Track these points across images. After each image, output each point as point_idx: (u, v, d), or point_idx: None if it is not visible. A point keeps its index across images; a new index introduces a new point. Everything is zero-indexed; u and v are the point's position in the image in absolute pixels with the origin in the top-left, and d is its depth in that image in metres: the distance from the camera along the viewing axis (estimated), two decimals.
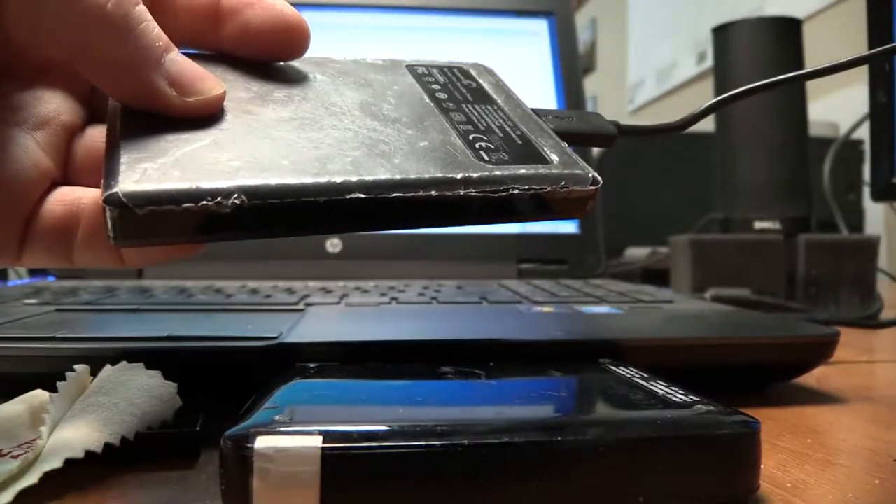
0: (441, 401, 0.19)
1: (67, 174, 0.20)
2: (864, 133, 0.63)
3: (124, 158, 0.16)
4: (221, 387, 0.23)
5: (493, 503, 0.15)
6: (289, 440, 0.14)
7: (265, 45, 0.20)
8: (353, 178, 0.17)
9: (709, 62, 1.22)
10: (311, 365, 0.22)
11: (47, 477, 0.16)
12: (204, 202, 0.15)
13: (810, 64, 0.63)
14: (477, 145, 0.19)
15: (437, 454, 0.15)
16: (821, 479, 0.19)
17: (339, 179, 0.17)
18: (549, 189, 0.18)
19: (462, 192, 0.18)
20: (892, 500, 0.18)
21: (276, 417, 0.16)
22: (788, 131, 0.60)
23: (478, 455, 0.15)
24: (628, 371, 0.22)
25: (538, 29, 0.59)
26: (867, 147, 0.61)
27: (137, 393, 0.20)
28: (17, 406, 0.21)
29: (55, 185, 0.19)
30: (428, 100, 0.21)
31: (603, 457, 0.16)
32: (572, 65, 0.58)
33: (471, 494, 0.15)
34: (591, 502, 0.16)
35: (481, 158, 0.19)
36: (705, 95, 0.75)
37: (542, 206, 0.19)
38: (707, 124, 0.72)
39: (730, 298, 0.51)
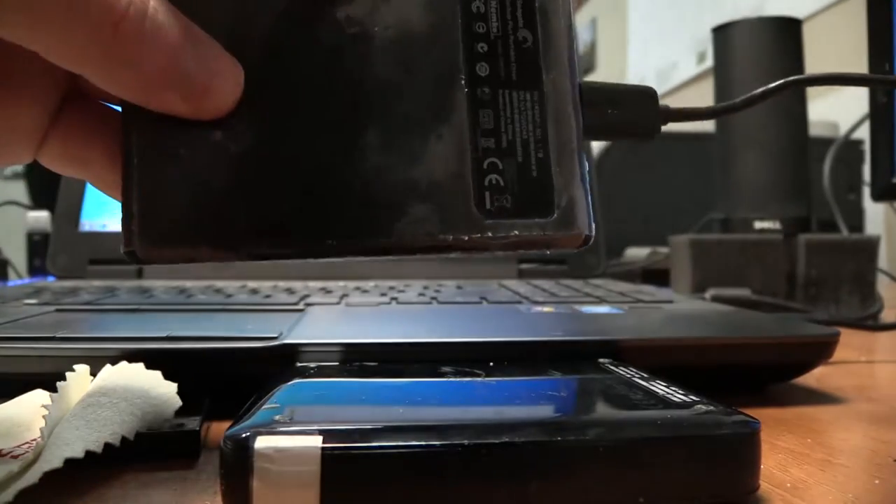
0: (441, 401, 0.19)
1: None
2: (864, 133, 0.63)
3: (136, 202, 0.17)
4: (221, 387, 0.23)
5: (492, 503, 0.15)
6: (289, 440, 0.14)
7: None
8: (343, 241, 0.17)
9: (709, 62, 1.22)
10: (311, 365, 0.22)
11: (47, 477, 0.16)
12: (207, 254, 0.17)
13: (810, 64, 0.63)
14: (487, 179, 0.18)
15: (437, 454, 0.15)
16: (821, 479, 0.19)
17: (333, 242, 0.17)
18: (532, 249, 0.19)
19: (445, 252, 0.18)
20: (892, 500, 0.18)
21: (276, 417, 0.16)
22: (788, 131, 0.60)
23: (478, 455, 0.15)
24: (628, 371, 0.22)
25: None
26: (867, 147, 0.61)
27: (137, 393, 0.20)
28: (17, 406, 0.21)
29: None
30: (463, 83, 0.19)
31: (603, 457, 0.16)
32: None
33: (471, 494, 0.15)
34: (591, 502, 0.16)
35: (482, 206, 0.18)
36: (705, 95, 0.75)
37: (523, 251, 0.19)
38: (707, 124, 0.72)
39: (730, 298, 0.51)
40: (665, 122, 0.22)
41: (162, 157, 0.17)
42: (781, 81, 0.23)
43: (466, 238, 0.18)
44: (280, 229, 0.17)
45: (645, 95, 0.21)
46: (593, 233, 0.19)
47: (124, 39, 0.16)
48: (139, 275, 0.50)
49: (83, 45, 0.16)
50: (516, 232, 0.18)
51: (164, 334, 0.25)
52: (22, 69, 0.18)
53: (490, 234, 0.18)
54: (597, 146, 0.94)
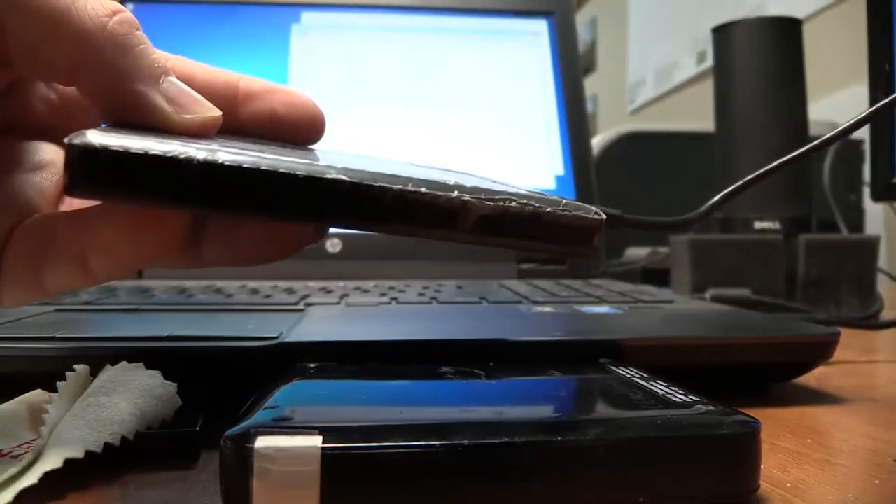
0: (441, 401, 0.19)
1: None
2: (864, 133, 0.63)
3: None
4: (221, 387, 0.23)
5: (492, 503, 0.15)
6: (289, 440, 0.14)
7: (287, 130, 0.21)
8: (337, 165, 0.16)
9: (709, 62, 1.22)
10: (311, 365, 0.22)
11: (47, 477, 0.16)
12: (172, 155, 0.15)
13: (810, 64, 0.63)
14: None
15: (437, 454, 0.15)
16: (821, 479, 0.19)
17: (321, 163, 0.16)
18: (548, 210, 0.17)
19: (454, 195, 0.16)
20: (892, 500, 0.18)
21: (276, 417, 0.16)
22: (788, 131, 0.60)
23: (478, 455, 0.15)
24: (628, 371, 0.22)
25: (538, 29, 0.59)
26: (867, 147, 0.61)
27: (137, 393, 0.20)
28: (17, 406, 0.21)
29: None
30: None
31: (603, 457, 0.16)
32: (572, 65, 0.58)
33: (471, 494, 0.15)
34: (591, 502, 0.16)
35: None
36: (705, 95, 0.75)
37: (542, 230, 0.17)
38: (707, 124, 0.72)
39: (730, 298, 0.51)
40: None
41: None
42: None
43: (469, 185, 0.17)
44: (243, 154, 0.16)
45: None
46: (603, 215, 0.18)
47: (121, 28, 0.17)
48: (139, 275, 0.50)
49: (74, 43, 0.17)
50: (523, 191, 0.17)
51: (164, 334, 0.25)
52: None
53: (494, 186, 0.17)
54: (597, 146, 0.94)
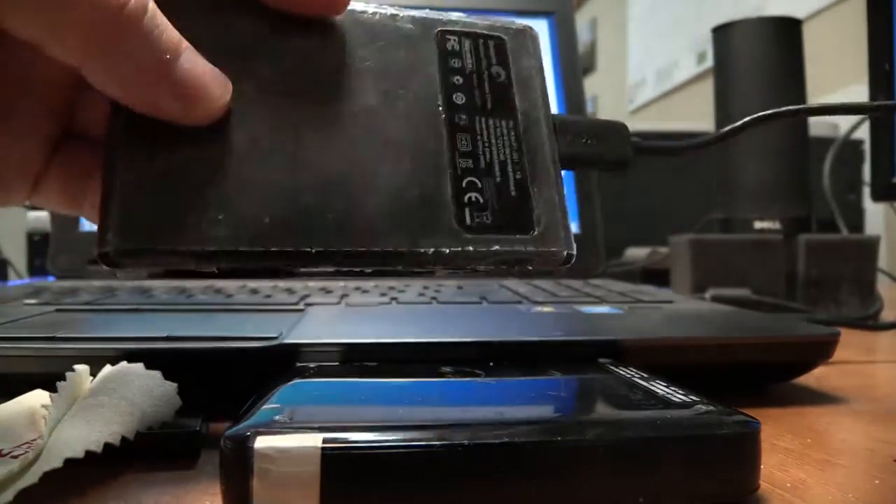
0: (441, 401, 0.19)
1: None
2: (864, 133, 0.63)
3: (115, 203, 0.16)
4: (221, 387, 0.23)
5: (493, 503, 0.15)
6: (289, 440, 0.14)
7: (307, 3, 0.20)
8: (323, 249, 0.17)
9: (709, 62, 1.22)
10: (311, 365, 0.22)
11: (47, 477, 0.16)
12: (184, 260, 0.17)
13: (810, 64, 0.63)
14: (467, 197, 0.19)
15: (437, 454, 0.15)
16: (821, 479, 0.19)
17: (312, 250, 0.17)
18: (514, 265, 0.19)
19: (427, 266, 0.18)
20: (892, 500, 0.18)
21: (276, 417, 0.16)
22: (788, 131, 0.60)
23: (478, 455, 0.15)
24: (628, 371, 0.22)
25: (538, 29, 0.59)
26: (867, 147, 0.61)
27: (137, 393, 0.20)
28: (17, 406, 0.21)
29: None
30: (441, 109, 0.20)
31: (603, 457, 0.16)
32: (572, 65, 0.58)
33: (471, 494, 0.15)
34: (591, 502, 0.16)
35: (462, 221, 0.18)
36: (705, 95, 0.75)
37: (506, 268, 0.20)
38: (707, 124, 0.72)
39: (730, 298, 0.51)
40: (635, 155, 0.23)
41: (144, 162, 0.17)
42: (749, 119, 0.26)
43: (447, 251, 0.18)
44: (258, 238, 0.17)
45: (616, 129, 0.23)
46: (574, 251, 0.20)
47: (125, 28, 0.16)
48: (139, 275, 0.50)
49: (84, 31, 0.16)
50: (497, 247, 0.19)
51: (164, 334, 0.25)
52: (17, 102, 0.19)
53: (471, 248, 0.18)
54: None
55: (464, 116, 0.20)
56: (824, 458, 0.21)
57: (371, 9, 0.20)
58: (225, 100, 0.18)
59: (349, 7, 0.20)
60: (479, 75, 0.21)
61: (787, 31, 0.61)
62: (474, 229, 0.19)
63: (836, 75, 1.28)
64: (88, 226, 0.53)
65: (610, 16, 2.80)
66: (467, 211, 0.19)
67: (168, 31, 0.17)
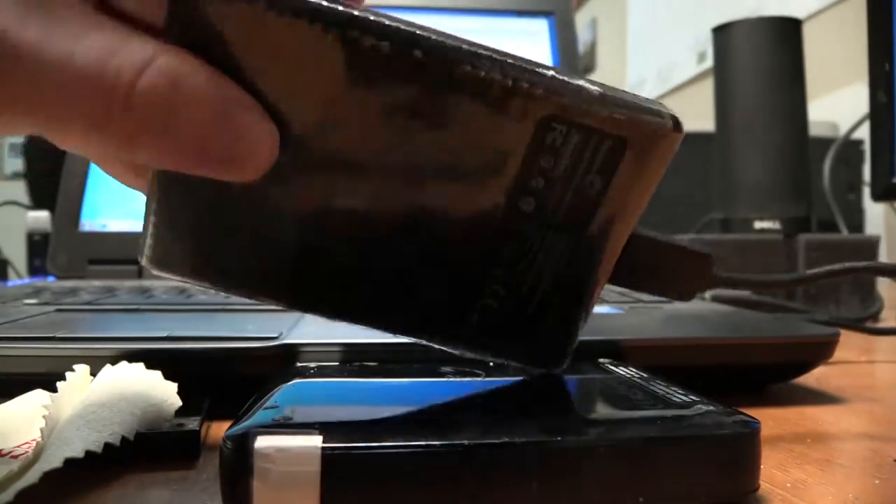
0: (441, 401, 0.19)
1: None
2: (864, 133, 0.63)
3: (151, 228, 0.17)
4: (221, 387, 0.23)
5: (492, 503, 0.15)
6: (289, 440, 0.14)
7: None
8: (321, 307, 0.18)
9: (709, 62, 1.22)
10: (311, 365, 0.22)
11: (47, 477, 0.16)
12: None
13: (810, 64, 0.63)
14: (481, 303, 0.18)
15: (437, 454, 0.15)
16: (821, 479, 0.19)
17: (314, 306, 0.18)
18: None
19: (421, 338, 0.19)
20: (892, 500, 0.18)
21: (276, 417, 0.16)
22: (788, 131, 0.60)
23: (478, 455, 0.15)
24: (628, 371, 0.22)
25: (538, 29, 0.59)
26: (867, 147, 0.61)
27: (137, 393, 0.20)
28: (17, 406, 0.21)
29: None
30: (495, 212, 0.17)
31: (603, 457, 0.16)
32: (572, 65, 0.58)
33: (471, 494, 0.15)
34: (591, 502, 0.16)
35: (467, 322, 0.19)
36: (705, 95, 0.75)
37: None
38: (707, 124, 0.72)
39: (730, 298, 0.51)
40: (711, 289, 0.21)
41: (181, 192, 0.17)
42: (847, 266, 0.24)
43: (441, 340, 0.19)
44: (273, 286, 0.18)
45: (699, 261, 0.20)
46: (563, 367, 0.20)
47: (139, 114, 0.14)
48: (139, 275, 0.50)
49: (85, 125, 0.14)
50: (490, 352, 0.19)
51: (164, 334, 0.25)
52: None
53: (465, 345, 0.19)
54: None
55: (523, 226, 0.17)
56: (824, 458, 0.21)
57: (486, 67, 0.15)
58: (272, 159, 0.16)
59: (447, 46, 0.15)
60: (568, 181, 0.17)
61: (787, 31, 0.61)
62: (476, 330, 0.19)
63: (836, 75, 1.28)
64: (88, 226, 0.53)
65: (610, 16, 2.80)
66: (475, 316, 0.19)
67: (203, 95, 0.14)
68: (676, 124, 0.16)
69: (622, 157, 0.16)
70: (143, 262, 0.18)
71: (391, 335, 0.19)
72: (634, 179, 0.17)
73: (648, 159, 0.17)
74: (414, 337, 0.19)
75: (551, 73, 0.16)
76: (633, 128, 0.16)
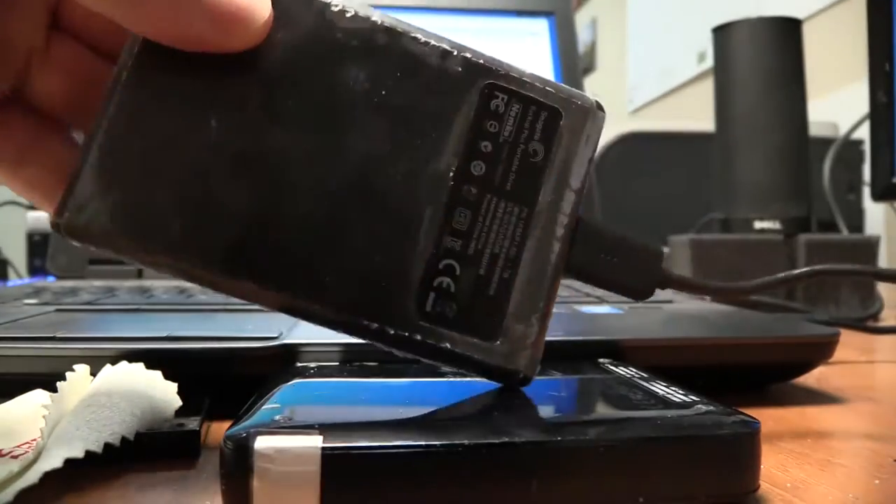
0: (441, 401, 0.19)
1: None
2: (864, 133, 0.63)
3: (86, 173, 0.16)
4: (221, 387, 0.23)
5: (493, 503, 0.15)
6: (289, 440, 0.14)
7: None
8: (268, 286, 0.17)
9: (709, 62, 1.22)
10: (311, 365, 0.22)
11: (47, 477, 0.16)
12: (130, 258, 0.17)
13: (810, 64, 0.63)
14: (437, 281, 0.17)
15: (437, 454, 0.15)
16: (821, 479, 0.19)
17: (253, 285, 0.17)
18: (462, 368, 0.18)
19: (371, 341, 0.17)
20: (892, 500, 0.18)
21: (276, 417, 0.16)
22: (788, 131, 0.60)
23: (478, 455, 0.15)
24: (628, 371, 0.22)
25: (538, 29, 0.59)
26: (867, 147, 0.61)
27: (137, 393, 0.20)
28: (17, 406, 0.21)
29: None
30: (451, 175, 0.17)
31: (603, 457, 0.16)
32: (572, 65, 0.58)
33: (471, 494, 0.15)
34: (591, 502, 0.16)
35: (421, 305, 0.17)
36: (705, 95, 0.75)
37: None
38: (707, 124, 0.72)
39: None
40: (662, 288, 0.20)
41: (131, 135, 0.16)
42: (808, 270, 0.23)
43: (392, 332, 0.17)
44: (223, 258, 0.17)
45: (650, 256, 0.20)
46: (534, 375, 0.18)
47: None
48: (139, 275, 0.50)
49: None
50: (447, 345, 0.17)
51: (164, 334, 0.25)
52: None
53: (418, 337, 0.17)
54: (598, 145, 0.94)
55: (473, 190, 0.18)
56: (824, 458, 0.21)
57: (424, 37, 0.18)
58: (263, 21, 0.16)
59: (402, 29, 0.18)
60: (513, 147, 0.18)
61: (787, 31, 0.61)
62: (431, 318, 0.17)
63: (836, 75, 1.28)
64: None
65: (610, 16, 2.80)
66: (431, 296, 0.17)
67: None
68: (599, 106, 0.19)
69: (558, 128, 0.18)
70: (61, 220, 0.16)
71: (333, 330, 0.17)
72: (572, 153, 0.18)
73: (581, 133, 0.18)
74: (366, 336, 0.17)
75: (492, 54, 0.18)
76: (564, 103, 0.18)
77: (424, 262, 0.17)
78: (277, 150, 0.17)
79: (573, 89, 0.19)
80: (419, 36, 0.18)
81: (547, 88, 0.18)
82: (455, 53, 0.18)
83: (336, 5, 0.17)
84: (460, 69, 0.18)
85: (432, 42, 0.18)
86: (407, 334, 0.17)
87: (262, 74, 0.17)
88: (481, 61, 0.18)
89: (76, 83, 0.19)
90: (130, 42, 0.17)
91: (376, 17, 0.18)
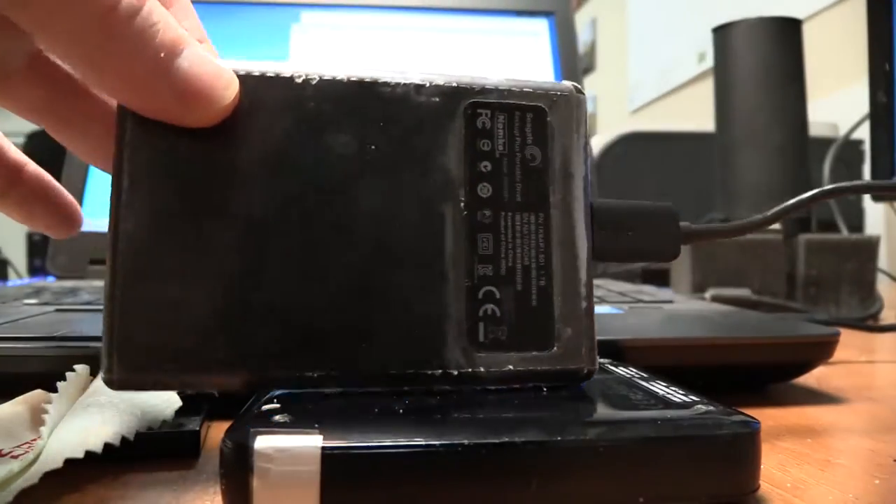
0: (441, 401, 0.19)
1: None
2: (864, 133, 0.63)
3: (118, 330, 0.16)
4: None
5: (492, 503, 0.15)
6: (289, 440, 0.14)
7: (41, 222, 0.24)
8: (325, 374, 0.17)
9: (709, 62, 1.22)
10: None
11: (47, 477, 0.16)
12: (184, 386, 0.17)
13: (810, 63, 0.63)
14: (482, 310, 0.17)
15: (437, 454, 0.15)
16: (821, 479, 0.19)
17: (314, 374, 0.17)
18: (530, 382, 0.18)
19: (437, 387, 0.17)
20: (892, 500, 0.18)
21: (276, 417, 0.16)
22: (788, 131, 0.60)
23: (478, 455, 0.15)
24: (628, 371, 0.22)
25: (538, 29, 0.59)
26: (867, 147, 0.61)
27: (137, 393, 0.20)
28: (17, 406, 0.21)
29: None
30: (462, 206, 0.17)
31: (603, 457, 0.16)
32: (572, 65, 0.58)
33: (471, 494, 0.15)
34: (591, 502, 0.16)
35: (474, 338, 0.17)
36: (705, 95, 0.75)
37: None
38: (707, 124, 0.72)
39: (730, 298, 0.51)
40: (686, 244, 0.20)
41: (149, 277, 0.17)
42: (810, 194, 0.23)
43: (456, 373, 0.17)
44: (259, 363, 0.17)
45: (664, 216, 0.20)
46: (596, 366, 0.18)
47: (114, 28, 0.15)
48: None
49: (74, 30, 0.15)
50: (511, 367, 0.18)
51: None
52: None
53: (482, 369, 0.17)
54: (597, 146, 0.94)
55: (488, 213, 0.18)
56: (824, 458, 0.21)
57: (393, 80, 0.18)
58: (229, 99, 0.17)
59: (370, 78, 0.18)
60: (511, 159, 0.18)
61: (787, 31, 0.61)
62: (487, 346, 0.17)
63: (836, 75, 1.28)
64: (88, 226, 0.53)
65: (610, 16, 2.80)
66: (481, 326, 0.17)
67: (166, 30, 0.16)
68: (578, 89, 0.19)
69: (547, 125, 0.18)
70: (112, 376, 0.16)
71: (399, 387, 0.17)
72: (567, 145, 0.19)
73: (570, 122, 0.19)
74: (432, 384, 0.17)
75: (460, 72, 0.18)
76: (545, 99, 0.18)
77: (464, 296, 0.17)
78: (294, 241, 0.17)
79: (547, 82, 0.19)
80: (388, 79, 0.18)
81: (524, 90, 0.18)
82: (427, 85, 0.18)
83: (299, 76, 0.17)
84: (437, 99, 0.18)
85: (402, 80, 0.18)
86: (471, 370, 0.17)
87: (251, 168, 0.17)
88: (455, 84, 0.18)
89: (58, 91, 0.21)
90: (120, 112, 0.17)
91: (340, 74, 0.18)
